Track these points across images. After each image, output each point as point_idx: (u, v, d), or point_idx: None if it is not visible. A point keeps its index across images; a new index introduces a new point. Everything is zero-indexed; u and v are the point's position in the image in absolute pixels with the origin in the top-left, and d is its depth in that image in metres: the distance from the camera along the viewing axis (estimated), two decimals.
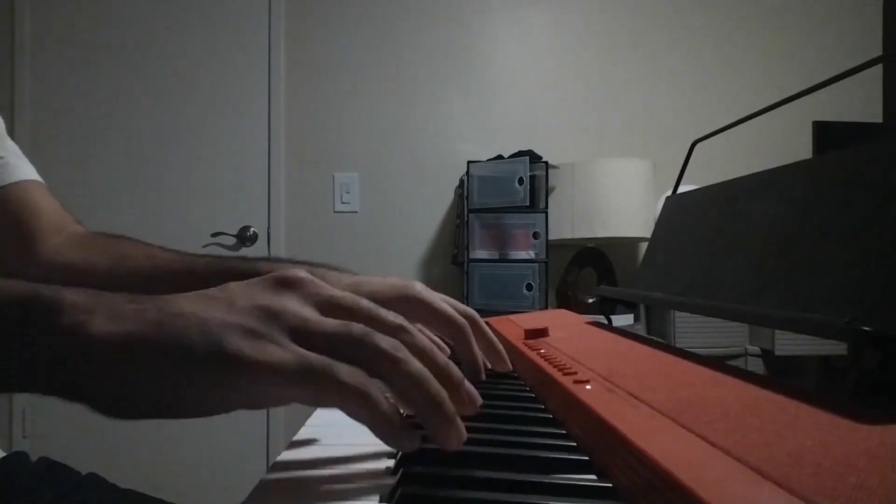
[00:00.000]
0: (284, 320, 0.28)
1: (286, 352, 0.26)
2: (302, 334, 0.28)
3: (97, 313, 0.26)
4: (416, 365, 0.28)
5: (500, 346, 0.50)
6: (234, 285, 0.30)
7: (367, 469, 0.31)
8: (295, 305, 0.29)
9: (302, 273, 0.31)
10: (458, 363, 0.47)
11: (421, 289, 0.47)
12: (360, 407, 0.27)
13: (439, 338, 0.52)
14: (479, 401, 0.31)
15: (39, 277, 0.57)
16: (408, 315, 0.47)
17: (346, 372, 0.27)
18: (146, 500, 0.56)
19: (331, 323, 0.29)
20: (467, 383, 0.31)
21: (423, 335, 0.31)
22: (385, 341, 0.28)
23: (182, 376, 0.26)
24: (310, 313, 0.29)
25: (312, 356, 0.27)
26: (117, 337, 0.25)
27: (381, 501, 0.26)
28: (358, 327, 0.29)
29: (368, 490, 0.28)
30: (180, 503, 0.59)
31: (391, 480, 0.28)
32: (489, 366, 0.50)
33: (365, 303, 0.32)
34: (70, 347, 0.25)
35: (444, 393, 0.29)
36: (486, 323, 0.76)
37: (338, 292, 0.32)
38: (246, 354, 0.26)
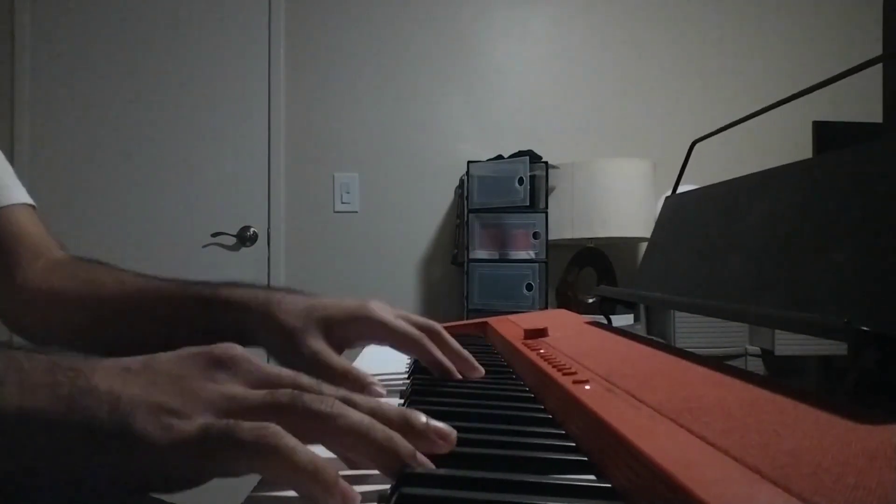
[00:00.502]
0: (207, 399, 0.27)
1: (191, 425, 0.25)
2: (228, 413, 0.26)
3: (7, 384, 0.25)
4: (355, 416, 0.27)
5: (467, 354, 0.49)
6: (162, 358, 0.29)
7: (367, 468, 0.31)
8: (221, 385, 0.28)
9: (235, 350, 0.30)
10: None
11: (376, 308, 0.47)
12: (270, 466, 0.24)
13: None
14: (453, 435, 0.28)
15: (18, 304, 0.57)
16: (362, 335, 0.48)
17: (247, 428, 0.24)
18: (146, 500, 0.56)
19: (257, 395, 0.28)
20: (434, 424, 0.28)
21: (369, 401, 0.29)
22: (317, 402, 0.27)
23: (89, 456, 0.25)
24: (238, 390, 0.28)
25: (214, 423, 0.25)
26: (25, 412, 0.24)
27: (380, 501, 0.26)
28: (284, 393, 0.27)
29: (367, 492, 0.27)
30: (180, 503, 0.59)
31: (390, 481, 0.28)
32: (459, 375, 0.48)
33: (305, 379, 0.30)
34: None
35: (394, 434, 0.27)
36: (485, 323, 0.76)
37: (272, 369, 0.30)
38: (150, 432, 0.25)
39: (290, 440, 0.25)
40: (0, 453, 0.24)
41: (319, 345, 0.45)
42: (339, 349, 0.47)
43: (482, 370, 0.49)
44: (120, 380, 0.26)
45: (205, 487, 0.27)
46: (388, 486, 0.27)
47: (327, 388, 0.30)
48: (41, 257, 0.59)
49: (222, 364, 0.29)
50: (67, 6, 2.12)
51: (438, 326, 0.49)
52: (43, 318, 0.56)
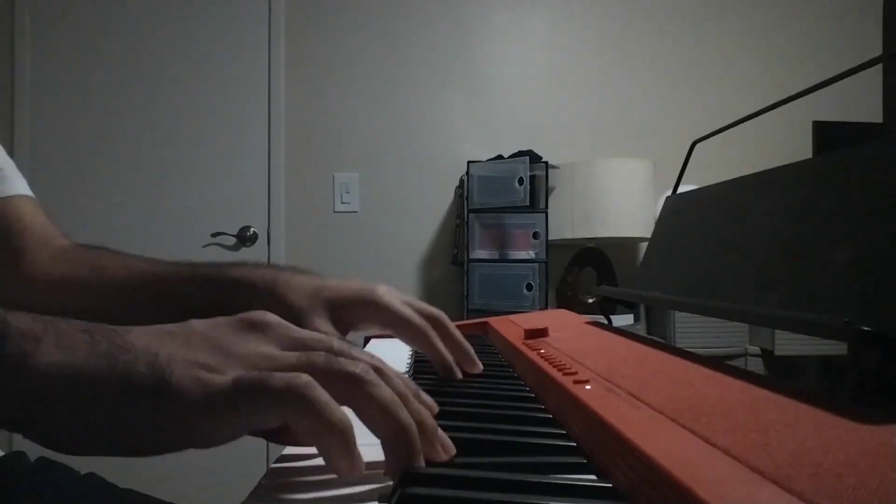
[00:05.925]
0: (242, 357, 0.27)
1: (224, 378, 0.26)
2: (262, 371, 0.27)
3: (44, 341, 0.25)
4: (386, 391, 0.27)
5: (469, 347, 0.49)
6: (196, 322, 0.29)
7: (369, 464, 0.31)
8: (257, 345, 0.29)
9: (268, 316, 0.31)
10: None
11: (383, 292, 0.46)
12: (299, 416, 0.25)
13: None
14: (453, 450, 0.29)
15: (25, 292, 0.57)
16: (367, 319, 0.47)
17: (279, 377, 0.25)
18: (145, 500, 0.56)
19: (291, 355, 0.28)
20: (440, 432, 0.29)
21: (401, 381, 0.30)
22: (351, 365, 0.27)
23: (128, 411, 0.25)
24: (273, 350, 0.29)
25: (246, 374, 0.26)
26: (62, 368, 0.24)
27: (380, 502, 0.26)
28: (319, 354, 0.28)
29: (368, 491, 0.27)
30: (180, 503, 0.59)
31: (391, 481, 0.28)
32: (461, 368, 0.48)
33: (336, 343, 0.30)
34: (13, 377, 0.24)
35: (412, 424, 0.27)
36: (485, 323, 0.76)
37: (305, 332, 0.31)
38: (186, 386, 0.25)
39: (323, 394, 0.25)
40: (40, 410, 0.24)
41: (325, 326, 0.45)
42: (345, 332, 0.47)
43: (481, 366, 0.49)
44: (157, 339, 0.27)
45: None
46: (389, 485, 0.27)
47: (359, 353, 0.30)
48: (47, 246, 0.59)
49: (255, 327, 0.30)
50: (67, 6, 2.12)
51: (444, 317, 0.48)
52: (52, 306, 0.56)
